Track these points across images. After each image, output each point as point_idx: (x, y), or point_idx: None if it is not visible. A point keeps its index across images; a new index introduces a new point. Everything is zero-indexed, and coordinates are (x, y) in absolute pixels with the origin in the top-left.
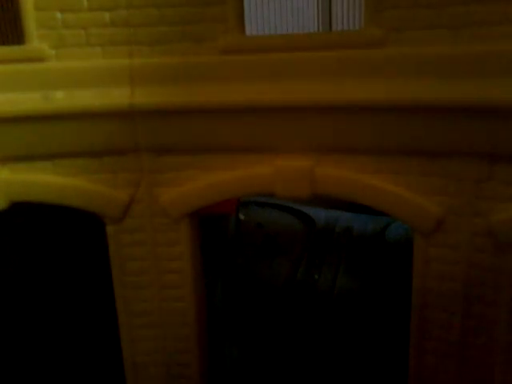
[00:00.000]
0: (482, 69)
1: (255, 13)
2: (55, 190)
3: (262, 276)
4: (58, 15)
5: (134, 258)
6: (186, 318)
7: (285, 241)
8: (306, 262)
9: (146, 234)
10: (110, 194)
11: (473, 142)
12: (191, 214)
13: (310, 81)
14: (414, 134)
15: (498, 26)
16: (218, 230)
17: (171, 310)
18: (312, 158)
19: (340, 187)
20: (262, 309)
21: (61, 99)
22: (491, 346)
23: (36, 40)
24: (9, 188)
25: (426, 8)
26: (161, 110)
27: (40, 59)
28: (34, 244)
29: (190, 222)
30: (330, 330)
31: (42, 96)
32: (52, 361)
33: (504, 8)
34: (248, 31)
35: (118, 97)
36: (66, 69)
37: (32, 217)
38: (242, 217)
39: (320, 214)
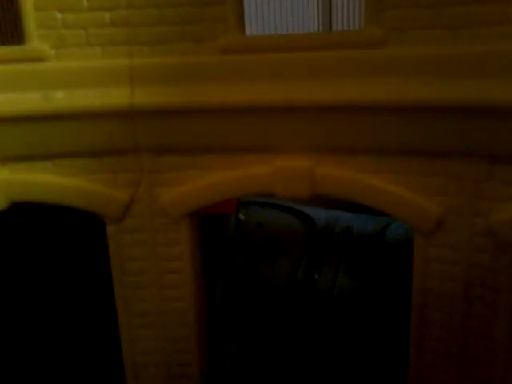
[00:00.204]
0: (481, 69)
1: (255, 13)
2: (55, 190)
3: (262, 276)
4: (58, 15)
5: (134, 258)
6: (185, 318)
7: (285, 241)
8: (306, 262)
9: (146, 233)
10: (110, 194)
11: (473, 142)
12: (191, 214)
13: (310, 81)
14: (414, 134)
15: (497, 25)
16: (217, 229)
17: (171, 310)
18: (312, 158)
19: (340, 187)
20: (262, 309)
21: (61, 99)
22: (491, 345)
23: (36, 40)
24: (9, 188)
25: (426, 8)
26: (161, 110)
27: (40, 59)
28: (34, 244)
29: (190, 221)
30: (329, 330)
31: (42, 96)
32: (52, 361)
33: (504, 8)
34: (248, 31)
35: (118, 97)
36: (66, 69)
37: (32, 217)
38: (242, 217)
39: (320, 214)
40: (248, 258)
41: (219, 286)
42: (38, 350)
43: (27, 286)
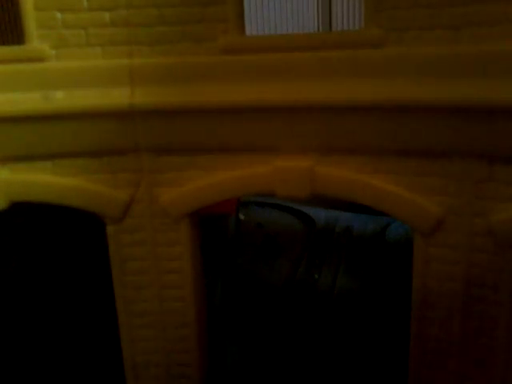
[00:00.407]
0: (482, 69)
1: (255, 13)
2: (55, 190)
3: (262, 276)
4: (58, 15)
5: (134, 258)
6: (185, 318)
7: (285, 241)
8: (306, 262)
9: (146, 233)
10: (110, 193)
11: (473, 142)
12: (191, 214)
13: (310, 81)
14: (414, 134)
15: (497, 25)
16: (217, 230)
17: (171, 310)
18: (312, 158)
19: (340, 187)
20: (262, 309)
21: (61, 99)
22: (491, 345)
23: (36, 40)
24: (9, 188)
25: (426, 8)
26: (161, 110)
27: (40, 59)
28: (34, 244)
29: (190, 221)
30: (329, 330)
31: (42, 96)
32: (52, 361)
33: (504, 8)
34: (248, 31)
35: (118, 97)
36: (66, 69)
37: (32, 217)
38: (242, 217)
39: (320, 214)
40: (248, 258)
41: (219, 286)
42: (38, 350)
43: (27, 285)
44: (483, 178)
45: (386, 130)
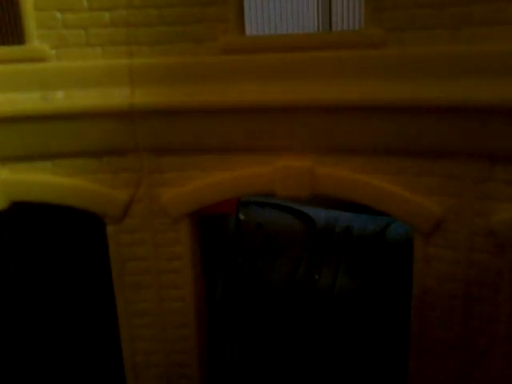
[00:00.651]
0: (482, 69)
1: (255, 13)
2: (55, 190)
3: (261, 276)
4: (58, 15)
5: (134, 258)
6: (185, 318)
7: (285, 241)
8: (306, 262)
9: (146, 233)
10: (110, 193)
11: (473, 142)
12: (191, 214)
13: (309, 81)
14: (413, 133)
15: (497, 25)
16: (217, 229)
17: (171, 310)
18: (312, 158)
19: (340, 187)
20: (262, 309)
21: (61, 99)
22: (491, 345)
23: (36, 40)
24: (9, 188)
25: (426, 8)
26: (161, 110)
27: (40, 59)
28: (34, 244)
29: (190, 221)
30: (329, 330)
31: (42, 96)
32: (52, 361)
33: (504, 8)
34: (248, 31)
35: (117, 97)
36: (66, 69)
37: (32, 217)
38: (242, 217)
39: (320, 214)
40: (248, 258)
41: (219, 286)
42: (38, 350)
43: (27, 285)
44: (483, 178)
45: (386, 130)
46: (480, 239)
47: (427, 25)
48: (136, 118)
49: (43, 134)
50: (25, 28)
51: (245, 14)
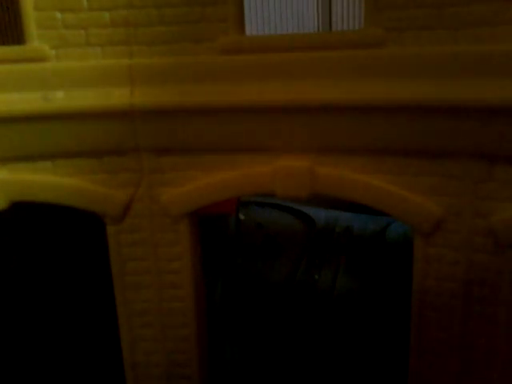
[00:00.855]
0: (482, 69)
1: (255, 13)
2: (55, 189)
3: (262, 276)
4: (58, 15)
5: (134, 258)
6: (185, 318)
7: (285, 241)
8: (306, 262)
9: (146, 234)
10: (110, 193)
11: (473, 141)
12: (191, 214)
13: (309, 81)
14: (413, 133)
15: (498, 26)
16: (218, 229)
17: (171, 310)
18: (312, 158)
19: (340, 187)
20: (262, 309)
21: (61, 99)
22: (491, 345)
23: (36, 40)
24: (9, 188)
25: (426, 8)
26: (161, 110)
27: (40, 59)
28: (34, 244)
29: (190, 221)
30: (329, 330)
31: (42, 96)
32: (52, 361)
33: (504, 8)
34: (248, 31)
35: (117, 97)
36: (66, 69)
37: (32, 217)
38: (242, 217)
39: (320, 214)
40: (248, 258)
41: (219, 286)
42: (38, 350)
43: (27, 285)
44: (483, 178)
45: (386, 130)
46: (480, 239)
47: (427, 25)
48: (136, 118)
49: (43, 134)
50: (25, 28)
51: (245, 13)
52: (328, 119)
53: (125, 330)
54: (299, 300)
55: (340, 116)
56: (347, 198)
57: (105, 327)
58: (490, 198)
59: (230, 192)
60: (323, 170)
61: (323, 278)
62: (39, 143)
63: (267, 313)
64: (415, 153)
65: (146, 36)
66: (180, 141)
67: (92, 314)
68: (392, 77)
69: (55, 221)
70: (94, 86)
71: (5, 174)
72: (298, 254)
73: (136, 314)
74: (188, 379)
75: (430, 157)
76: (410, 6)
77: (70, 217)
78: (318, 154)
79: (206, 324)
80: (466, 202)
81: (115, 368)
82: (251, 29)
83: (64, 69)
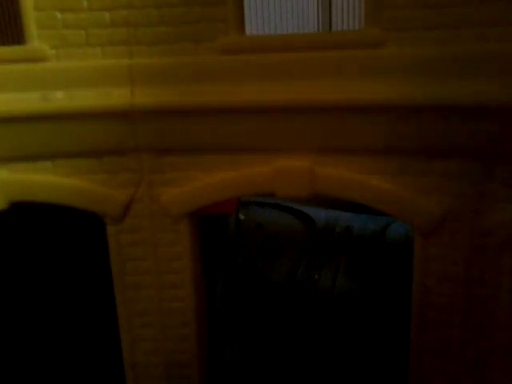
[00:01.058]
0: (482, 69)
1: (255, 13)
2: (55, 189)
3: (261, 276)
4: (58, 15)
5: (134, 258)
6: (185, 318)
7: (285, 241)
8: (306, 262)
9: (146, 234)
10: (110, 193)
11: (473, 141)
12: (191, 214)
13: (309, 81)
14: (414, 133)
15: (498, 26)
16: (218, 230)
17: (171, 310)
18: (312, 157)
19: (340, 187)
20: (262, 309)
21: (61, 99)
22: (491, 346)
23: (36, 40)
24: (8, 188)
25: (426, 8)
26: (161, 110)
27: (40, 59)
28: (34, 244)
29: (190, 222)
30: (329, 330)
31: (42, 96)
32: (52, 361)
33: (504, 8)
34: (248, 31)
35: (117, 97)
36: (66, 69)
37: (32, 217)
38: (242, 217)
39: (320, 214)
40: (248, 258)
41: (219, 286)
42: (37, 350)
43: (27, 285)
44: (483, 178)
45: (387, 130)
46: (480, 239)
47: (427, 25)
48: (136, 118)
49: (43, 134)
50: (25, 28)
51: (245, 13)
52: (328, 119)
53: (125, 330)
54: (299, 300)
55: (340, 116)
56: (347, 198)
57: (105, 327)
58: (490, 198)
59: (229, 192)
60: (323, 170)
61: (323, 277)
62: (39, 143)
63: (267, 313)
64: (415, 153)
65: (146, 36)
66: (180, 141)
67: (92, 313)
68: (392, 77)
69: (55, 221)
70: (93, 85)
71: (5, 174)
72: (298, 253)
73: (136, 314)
74: (188, 379)
75: (429, 157)
76: (410, 5)
77: (70, 217)
78: (318, 153)
79: (206, 324)
80: (465, 202)
81: (115, 368)
82: (251, 29)
83: (64, 69)
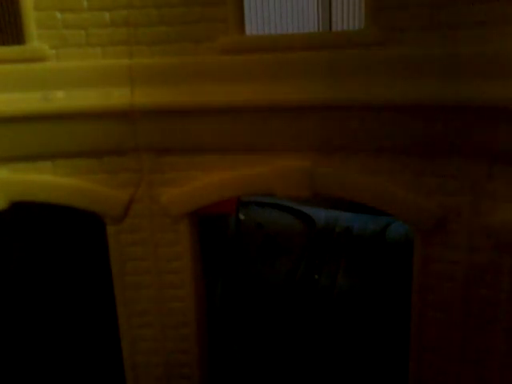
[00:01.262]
0: (482, 69)
1: (255, 13)
2: (55, 189)
3: (262, 276)
4: (58, 15)
5: (134, 258)
6: (186, 318)
7: (285, 241)
8: (306, 262)
9: (146, 233)
10: (110, 193)
11: (473, 141)
12: (191, 214)
13: (309, 81)
14: (413, 133)
15: (498, 25)
16: (218, 230)
17: (171, 310)
18: (312, 157)
19: (340, 187)
20: (262, 309)
21: (61, 99)
22: (491, 346)
23: (36, 40)
24: (8, 188)
25: (426, 8)
26: (161, 110)
27: (40, 59)
28: (34, 244)
29: (190, 221)
30: (330, 330)
31: (42, 96)
32: (52, 361)
33: (504, 8)
34: (248, 31)
35: (117, 97)
36: (66, 69)
37: (32, 217)
38: (242, 217)
39: (320, 214)
40: (248, 258)
41: (219, 286)
42: (37, 350)
43: (27, 285)
44: (483, 178)
45: (387, 130)
46: (480, 239)
47: (427, 25)
48: (136, 118)
49: (43, 134)
50: (25, 28)
51: (245, 13)
52: (328, 119)
53: (125, 330)
54: (299, 300)
55: (340, 116)
56: (347, 198)
57: (105, 327)
58: (490, 197)
59: (229, 192)
60: (323, 170)
61: (323, 278)
62: (39, 143)
63: (267, 313)
64: (415, 152)
65: (146, 36)
66: (180, 141)
67: (92, 313)
68: (392, 77)
69: (55, 221)
70: (94, 85)
71: (5, 173)
72: (297, 254)
73: (136, 314)
74: (188, 379)
75: (429, 156)
76: (410, 5)
77: (70, 217)
78: (317, 154)
79: (206, 324)
80: (465, 202)
81: (115, 368)
82: (251, 29)
83: (64, 69)
